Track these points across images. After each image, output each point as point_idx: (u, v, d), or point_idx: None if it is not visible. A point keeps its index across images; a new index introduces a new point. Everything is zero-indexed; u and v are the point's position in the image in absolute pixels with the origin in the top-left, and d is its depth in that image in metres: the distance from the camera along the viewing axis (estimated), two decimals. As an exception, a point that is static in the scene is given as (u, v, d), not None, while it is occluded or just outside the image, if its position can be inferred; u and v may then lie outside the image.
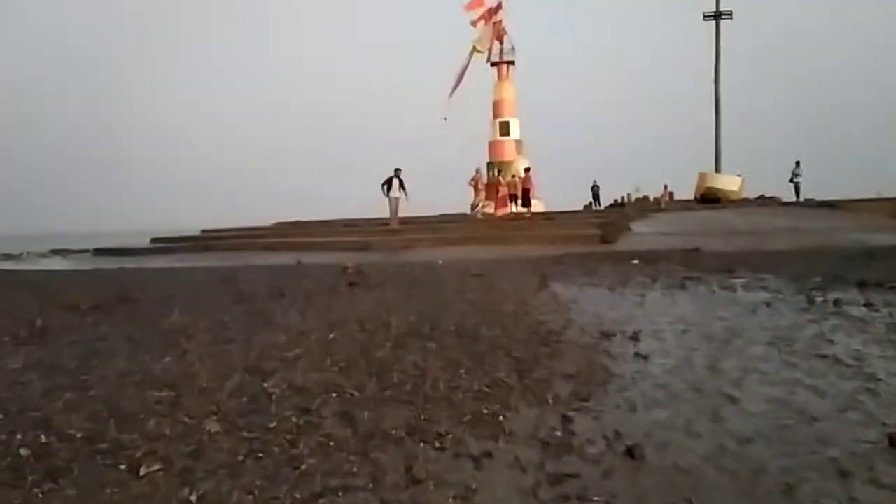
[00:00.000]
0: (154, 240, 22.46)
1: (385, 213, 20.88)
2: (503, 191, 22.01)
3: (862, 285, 7.94)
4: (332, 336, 5.14)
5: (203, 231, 25.17)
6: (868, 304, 6.59)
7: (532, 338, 5.11)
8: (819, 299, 7.07)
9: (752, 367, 4.36)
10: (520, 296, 7.13)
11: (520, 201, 22.63)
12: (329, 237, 18.63)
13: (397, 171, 21.01)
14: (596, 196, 38.90)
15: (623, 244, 14.79)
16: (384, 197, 20.78)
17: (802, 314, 6.29)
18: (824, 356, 4.57)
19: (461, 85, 35.65)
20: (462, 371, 4.20)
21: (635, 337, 5.18)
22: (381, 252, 15.50)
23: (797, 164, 30.47)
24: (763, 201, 32.33)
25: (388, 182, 20.79)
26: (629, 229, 17.22)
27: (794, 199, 29.91)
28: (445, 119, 35.13)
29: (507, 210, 21.86)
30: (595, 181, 39.01)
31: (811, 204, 25.24)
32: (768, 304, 6.80)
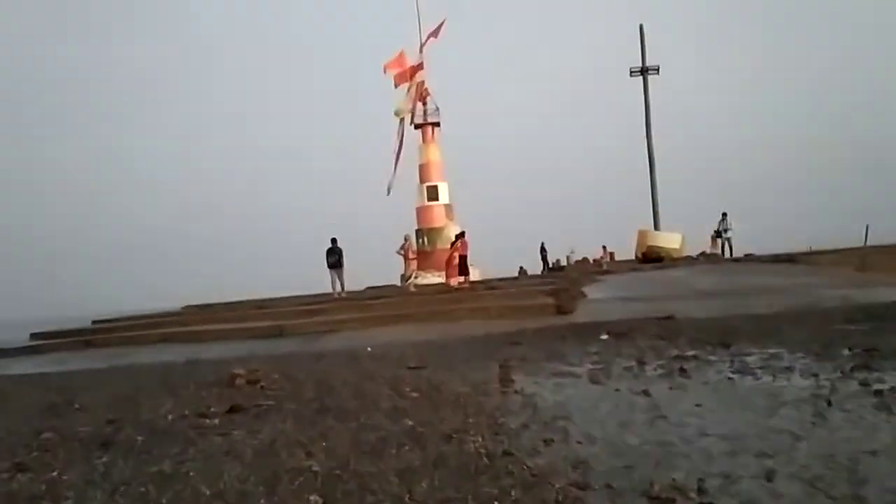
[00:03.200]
0: (34, 335, 19.51)
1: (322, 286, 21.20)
2: (455, 257, 20.12)
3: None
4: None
5: (94, 322, 22.26)
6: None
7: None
8: (881, 386, 5.36)
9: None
10: (480, 405, 5.11)
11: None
12: (240, 322, 16.26)
13: (334, 240, 21.11)
14: (545, 258, 37.47)
15: (582, 314, 13.05)
16: (328, 269, 20.96)
17: (883, 414, 4.53)
18: None
19: (401, 155, 34.56)
20: None
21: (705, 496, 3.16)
22: (296, 339, 13.25)
23: (724, 216, 28.60)
24: (708, 258, 31.49)
25: (330, 252, 20.95)
26: (584, 295, 15.54)
27: (728, 255, 28.53)
28: (389, 194, 33.96)
29: (461, 279, 19.97)
30: (542, 242, 37.64)
31: (764, 259, 24.36)
32: (824, 399, 5.02)
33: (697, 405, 5.05)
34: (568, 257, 38.83)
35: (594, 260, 36.83)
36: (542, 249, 37.22)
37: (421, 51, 35.35)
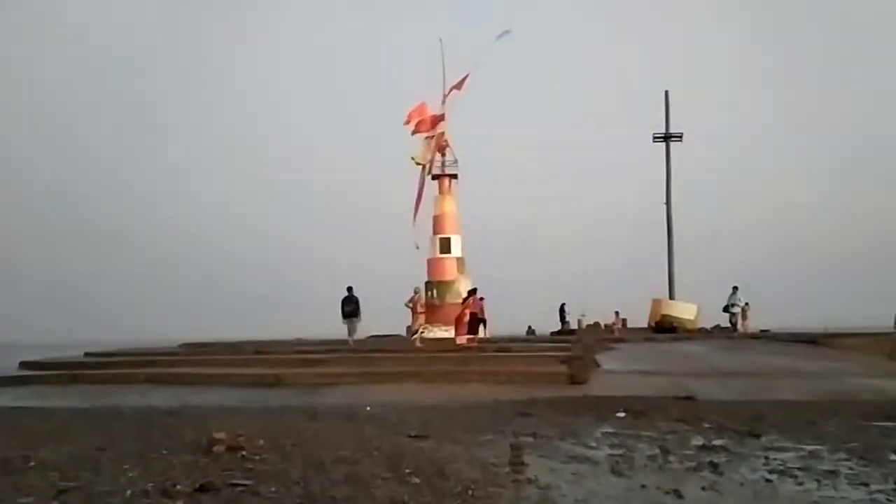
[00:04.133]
0: (23, 364, 18.94)
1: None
2: (466, 314, 19.51)
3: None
4: None
5: (87, 354, 21.68)
6: None
7: None
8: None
9: None
10: (491, 501, 4.49)
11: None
12: (233, 368, 15.64)
13: (350, 288, 21.20)
14: (563, 319, 36.56)
15: (597, 386, 12.38)
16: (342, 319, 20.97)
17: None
18: None
19: (421, 206, 34.40)
20: None
21: None
22: (292, 391, 12.63)
23: (734, 289, 27.95)
24: (723, 332, 30.65)
25: (346, 301, 20.97)
26: (597, 365, 14.88)
27: (735, 330, 27.54)
28: (418, 248, 33.80)
29: (469, 337, 19.34)
30: (563, 304, 36.76)
31: (783, 338, 23.60)
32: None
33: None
34: (579, 321, 38.00)
35: (606, 325, 35.96)
36: (562, 310, 36.43)
37: (443, 102, 35.39)
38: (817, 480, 5.64)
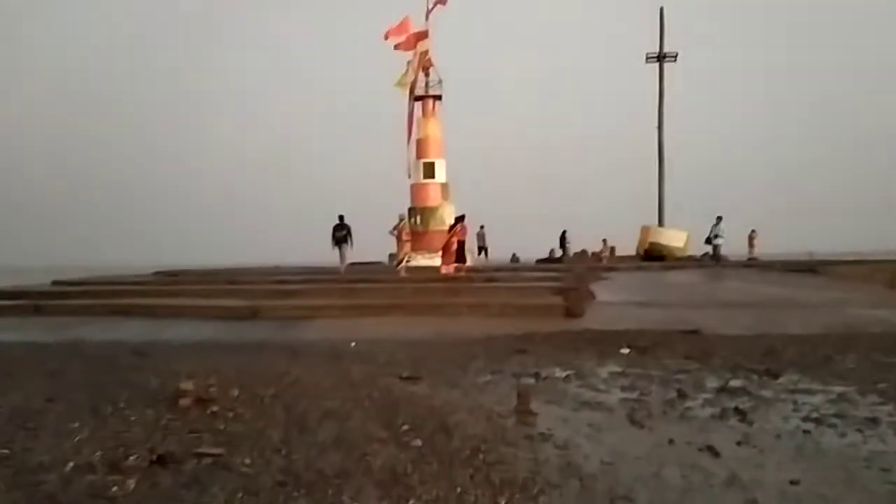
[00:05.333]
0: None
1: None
2: (453, 242, 18.82)
3: None
4: None
5: (54, 282, 20.84)
6: None
7: None
8: None
9: None
10: (509, 467, 3.86)
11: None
12: (208, 298, 14.93)
13: (342, 217, 21.74)
14: (564, 246, 35.98)
15: (594, 319, 11.84)
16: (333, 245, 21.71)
17: None
18: None
19: (414, 131, 33.25)
20: None
21: None
22: (270, 324, 11.96)
23: (718, 219, 26.29)
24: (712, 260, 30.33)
25: (338, 228, 21.57)
26: (593, 296, 14.34)
27: (718, 261, 26.71)
28: (410, 176, 32.89)
29: (457, 267, 18.75)
30: (564, 231, 36.12)
31: (779, 267, 23.25)
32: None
33: (793, 482, 3.84)
34: (567, 248, 37.57)
35: (593, 253, 35.57)
36: (563, 238, 35.87)
37: (427, 18, 33.77)
38: (859, 431, 5.11)
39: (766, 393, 6.46)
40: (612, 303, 14.00)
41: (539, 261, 37.62)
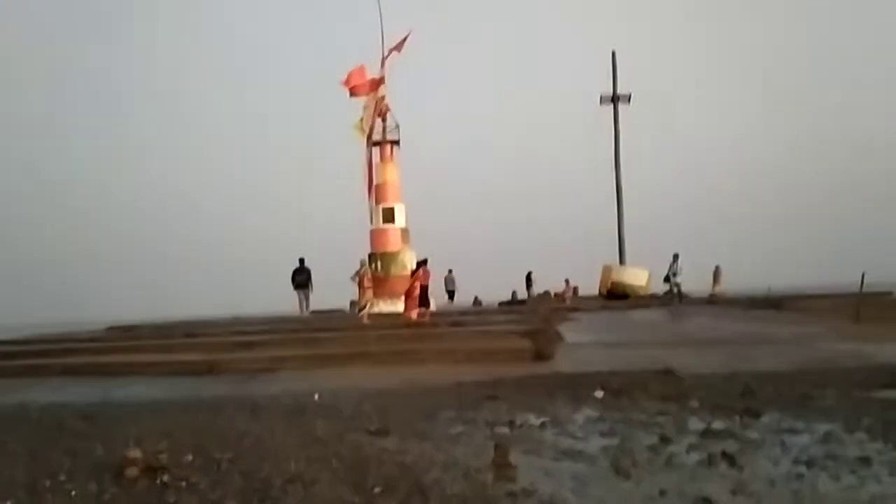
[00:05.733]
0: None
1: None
2: (416, 287, 18.54)
3: None
4: None
5: (-2, 341, 19.90)
6: None
7: None
8: None
9: None
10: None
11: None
12: (163, 354, 14.31)
13: (302, 260, 22.42)
14: (529, 286, 36.08)
15: (564, 361, 11.59)
16: (293, 290, 22.40)
17: None
18: None
19: (375, 178, 33.28)
20: None
21: None
22: (229, 379, 11.45)
23: (675, 257, 26.13)
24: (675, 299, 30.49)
25: (298, 272, 22.15)
26: (561, 337, 14.12)
27: (680, 301, 26.22)
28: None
29: (421, 311, 18.47)
30: (530, 272, 36.28)
31: (744, 303, 23.39)
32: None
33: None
34: (530, 291, 37.55)
35: (556, 294, 35.56)
36: (528, 279, 36.00)
37: (382, 65, 33.99)
38: (853, 472, 4.90)
39: (751, 434, 6.25)
40: (580, 344, 13.79)
41: (502, 303, 37.50)
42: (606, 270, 35.38)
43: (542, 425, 6.87)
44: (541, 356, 11.85)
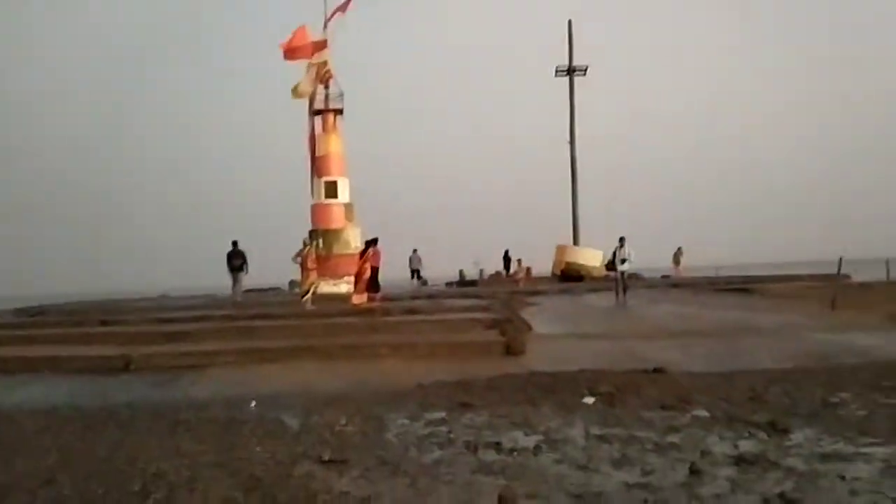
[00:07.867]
0: None
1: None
2: (366, 269, 17.19)
3: None
4: None
5: None
6: None
7: None
8: None
9: None
10: None
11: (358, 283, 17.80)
12: (76, 345, 12.63)
13: (235, 243, 21.49)
14: (507, 265, 35.27)
15: (538, 357, 10.46)
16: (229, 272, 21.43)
17: None
18: None
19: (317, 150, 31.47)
20: None
21: None
22: (147, 378, 9.93)
23: (622, 241, 21.76)
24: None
25: (233, 255, 21.32)
26: (529, 328, 12.98)
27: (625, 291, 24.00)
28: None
29: (371, 297, 17.21)
30: (507, 250, 35.48)
31: (709, 286, 22.76)
32: None
33: None
34: (481, 271, 36.62)
35: (508, 275, 34.64)
36: (506, 257, 35.14)
37: (325, 27, 32.07)
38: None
39: (794, 462, 5.17)
40: (551, 335, 12.66)
41: (449, 284, 36.41)
42: (560, 250, 34.60)
43: (537, 448, 5.69)
44: (512, 351, 10.69)
